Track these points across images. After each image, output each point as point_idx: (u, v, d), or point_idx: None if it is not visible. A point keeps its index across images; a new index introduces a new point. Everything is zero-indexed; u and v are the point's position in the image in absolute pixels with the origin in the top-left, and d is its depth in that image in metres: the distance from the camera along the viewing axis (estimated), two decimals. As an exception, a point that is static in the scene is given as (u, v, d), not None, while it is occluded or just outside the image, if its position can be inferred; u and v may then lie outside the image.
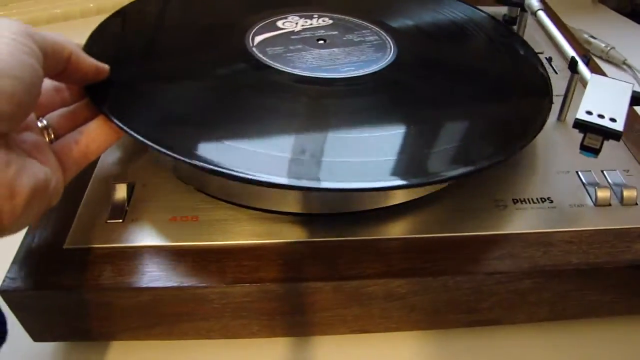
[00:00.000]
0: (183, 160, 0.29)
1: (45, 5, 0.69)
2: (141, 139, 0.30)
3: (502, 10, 0.53)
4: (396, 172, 0.31)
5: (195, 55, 0.40)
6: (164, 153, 0.30)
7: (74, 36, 0.32)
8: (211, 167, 0.29)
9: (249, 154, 0.31)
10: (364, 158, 0.32)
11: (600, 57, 0.62)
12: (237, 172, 0.29)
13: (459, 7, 0.49)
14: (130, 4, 0.45)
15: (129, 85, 0.35)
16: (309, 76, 0.38)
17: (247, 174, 0.29)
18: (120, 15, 0.44)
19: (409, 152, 0.32)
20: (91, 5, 0.70)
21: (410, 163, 0.32)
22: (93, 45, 0.38)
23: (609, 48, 0.61)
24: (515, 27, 0.51)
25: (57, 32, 0.28)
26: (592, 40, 0.63)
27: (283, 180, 0.29)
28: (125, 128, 0.31)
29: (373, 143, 0.33)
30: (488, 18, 0.48)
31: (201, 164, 0.29)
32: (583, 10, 0.73)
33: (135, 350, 0.35)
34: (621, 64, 0.61)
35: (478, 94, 0.39)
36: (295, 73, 0.38)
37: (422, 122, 0.35)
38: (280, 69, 0.38)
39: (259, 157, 0.31)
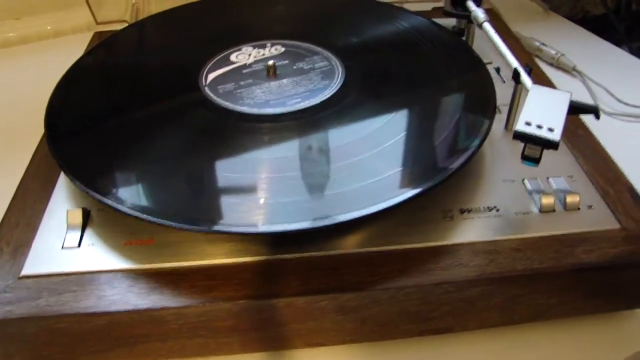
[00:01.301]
0: (146, 220, 0.32)
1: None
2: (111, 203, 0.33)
3: (452, 21, 0.54)
4: (349, 203, 0.32)
5: (152, 102, 0.42)
6: (129, 214, 0.32)
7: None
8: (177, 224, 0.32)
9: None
10: (309, 195, 0.34)
11: (551, 64, 0.64)
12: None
13: (410, 19, 0.50)
14: (89, 51, 0.47)
15: (90, 143, 0.38)
16: (255, 114, 0.40)
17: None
18: (80, 65, 0.46)
19: (359, 179, 0.34)
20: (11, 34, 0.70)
21: (362, 190, 0.33)
22: (56, 102, 0.41)
23: (559, 55, 0.63)
24: (464, 38, 0.52)
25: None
26: (543, 47, 0.64)
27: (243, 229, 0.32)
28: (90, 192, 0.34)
29: (320, 177, 0.35)
30: (438, 29, 0.49)
31: (169, 223, 0.32)
32: (536, 18, 0.75)
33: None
34: (571, 71, 0.62)
35: (424, 109, 0.40)
36: (243, 111, 0.40)
37: (369, 147, 0.37)
38: (229, 108, 0.40)
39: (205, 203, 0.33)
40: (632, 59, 0.67)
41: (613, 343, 0.37)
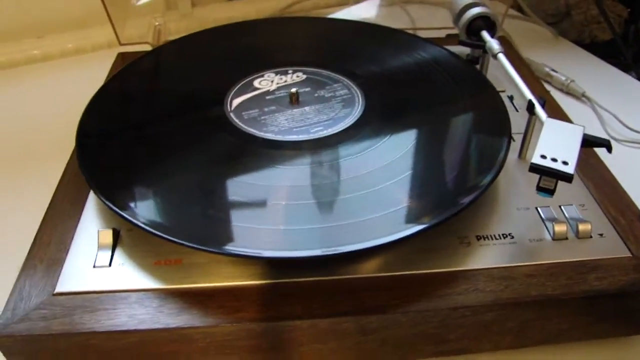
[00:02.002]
0: (173, 242, 0.33)
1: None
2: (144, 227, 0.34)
3: (466, 49, 0.56)
4: (368, 231, 0.34)
5: (180, 127, 0.44)
6: (166, 239, 0.34)
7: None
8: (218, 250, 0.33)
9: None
10: (340, 222, 0.35)
11: (561, 90, 0.65)
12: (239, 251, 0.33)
13: (427, 48, 0.52)
14: (117, 74, 0.49)
15: (119, 165, 0.40)
16: (280, 140, 0.41)
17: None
18: (108, 87, 0.48)
19: (378, 209, 0.36)
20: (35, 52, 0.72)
21: (381, 220, 0.35)
22: (85, 124, 0.43)
23: (569, 81, 0.65)
24: (478, 66, 0.54)
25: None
26: (553, 73, 0.66)
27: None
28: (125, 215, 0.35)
29: (343, 205, 0.36)
30: (454, 59, 0.51)
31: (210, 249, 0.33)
32: (545, 44, 0.77)
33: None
34: (580, 97, 0.64)
35: (442, 140, 0.42)
36: (267, 138, 0.42)
37: (388, 177, 0.38)
38: (254, 134, 0.42)
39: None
40: (639, 85, 0.68)
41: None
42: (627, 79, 0.70)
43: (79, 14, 0.71)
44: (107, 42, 0.71)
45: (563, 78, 0.65)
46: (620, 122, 0.60)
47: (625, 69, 0.71)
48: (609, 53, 0.75)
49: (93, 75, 0.54)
